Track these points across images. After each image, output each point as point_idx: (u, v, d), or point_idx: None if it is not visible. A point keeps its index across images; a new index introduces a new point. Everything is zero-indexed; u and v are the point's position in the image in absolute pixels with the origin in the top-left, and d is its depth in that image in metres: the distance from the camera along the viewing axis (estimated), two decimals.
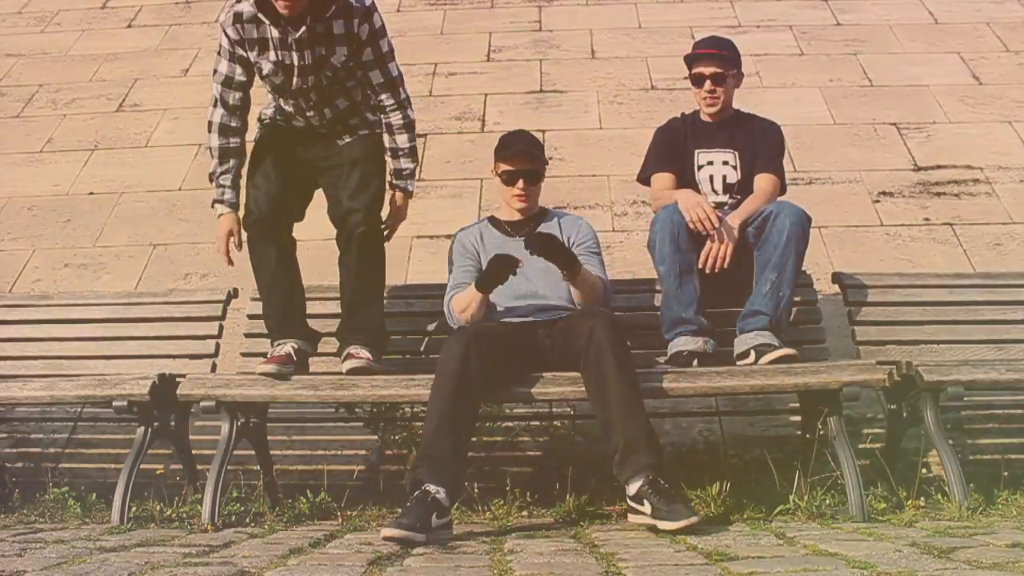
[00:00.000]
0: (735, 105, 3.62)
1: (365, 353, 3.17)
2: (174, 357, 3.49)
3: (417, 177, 3.55)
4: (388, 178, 3.41)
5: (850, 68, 6.06)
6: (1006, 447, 3.62)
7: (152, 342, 3.55)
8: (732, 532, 2.60)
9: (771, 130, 3.56)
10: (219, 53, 3.24)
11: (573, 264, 3.01)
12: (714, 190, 3.46)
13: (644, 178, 3.61)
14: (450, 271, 3.31)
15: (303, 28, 3.08)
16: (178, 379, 3.14)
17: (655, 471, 2.67)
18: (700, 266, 3.21)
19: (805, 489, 3.04)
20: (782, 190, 3.52)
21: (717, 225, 3.19)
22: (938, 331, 3.37)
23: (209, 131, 3.30)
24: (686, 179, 3.48)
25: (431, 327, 3.55)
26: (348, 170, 3.28)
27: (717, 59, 3.50)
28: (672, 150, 3.53)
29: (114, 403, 3.09)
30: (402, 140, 3.33)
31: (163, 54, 6.73)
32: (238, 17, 3.13)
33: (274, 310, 3.29)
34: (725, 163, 3.49)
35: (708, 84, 3.49)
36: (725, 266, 3.19)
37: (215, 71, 3.26)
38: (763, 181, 3.45)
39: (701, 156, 3.50)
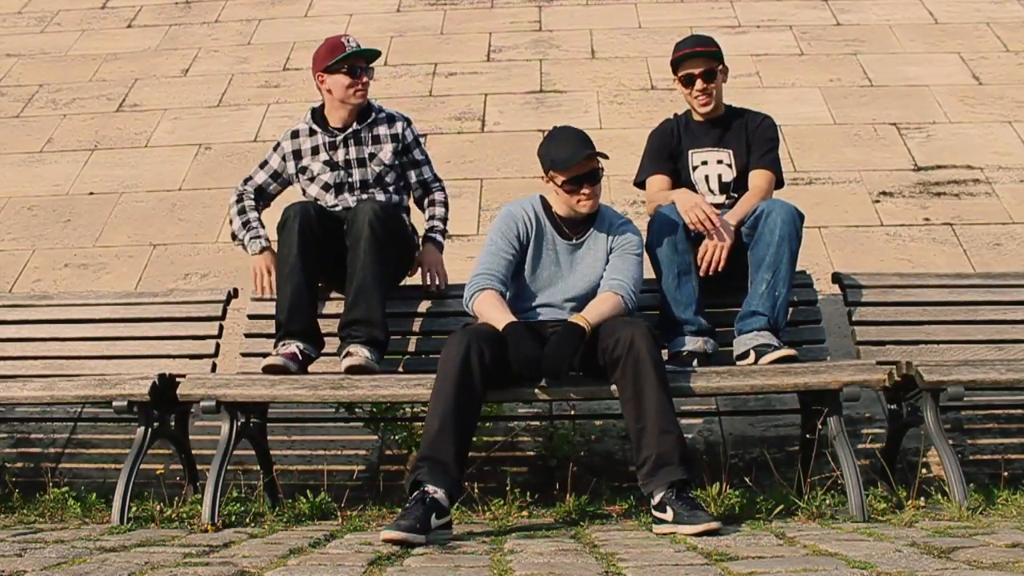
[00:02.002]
0: (726, 101, 3.59)
1: (364, 352, 3.17)
2: (174, 357, 3.48)
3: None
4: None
5: (850, 68, 6.06)
6: (1006, 447, 3.63)
7: (152, 342, 3.55)
8: (732, 532, 2.60)
9: (764, 124, 3.52)
10: (261, 166, 3.63)
11: (581, 336, 2.88)
12: (710, 190, 3.45)
13: (640, 182, 3.60)
14: (488, 243, 3.12)
15: (349, 130, 3.52)
16: (178, 379, 3.13)
17: (683, 486, 2.67)
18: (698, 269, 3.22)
19: (805, 489, 3.05)
20: (779, 184, 3.51)
21: (717, 224, 3.19)
22: (938, 331, 3.36)
23: (231, 210, 3.61)
24: (682, 181, 3.47)
25: (432, 327, 3.54)
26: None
27: (704, 57, 3.46)
28: (666, 152, 3.52)
29: (114, 403, 3.09)
30: (440, 212, 3.68)
31: (163, 54, 6.74)
32: (295, 133, 3.58)
33: (285, 303, 3.27)
34: (720, 162, 3.47)
35: (700, 83, 3.44)
36: (720, 269, 3.20)
37: (255, 168, 3.64)
38: (757, 177, 3.43)
39: (695, 156, 3.49)
